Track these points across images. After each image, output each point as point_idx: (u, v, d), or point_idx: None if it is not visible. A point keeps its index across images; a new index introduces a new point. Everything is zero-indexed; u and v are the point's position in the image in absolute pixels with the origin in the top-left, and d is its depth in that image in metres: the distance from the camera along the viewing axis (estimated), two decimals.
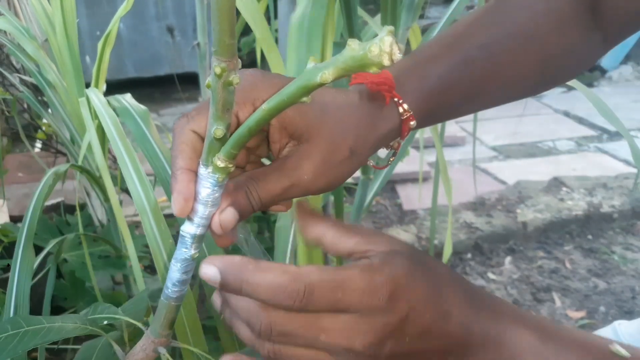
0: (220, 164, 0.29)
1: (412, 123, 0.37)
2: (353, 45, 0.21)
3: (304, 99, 0.24)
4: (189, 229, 0.32)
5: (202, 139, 0.31)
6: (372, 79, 0.36)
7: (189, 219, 0.32)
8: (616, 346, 0.30)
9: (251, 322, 0.28)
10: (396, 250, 0.29)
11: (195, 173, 0.31)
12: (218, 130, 0.28)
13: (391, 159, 0.42)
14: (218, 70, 0.26)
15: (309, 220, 0.31)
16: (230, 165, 0.30)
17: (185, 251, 0.32)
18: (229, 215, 0.31)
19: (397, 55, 0.21)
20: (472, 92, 0.42)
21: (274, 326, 0.28)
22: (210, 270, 0.28)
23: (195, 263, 0.33)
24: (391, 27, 0.21)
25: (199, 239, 0.32)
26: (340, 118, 0.34)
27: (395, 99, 0.37)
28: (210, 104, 0.28)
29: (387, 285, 0.27)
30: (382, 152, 0.42)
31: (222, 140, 0.29)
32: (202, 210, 0.31)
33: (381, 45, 0.20)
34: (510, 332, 0.30)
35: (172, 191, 0.31)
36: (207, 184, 0.30)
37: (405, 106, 0.37)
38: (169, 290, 0.34)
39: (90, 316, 0.53)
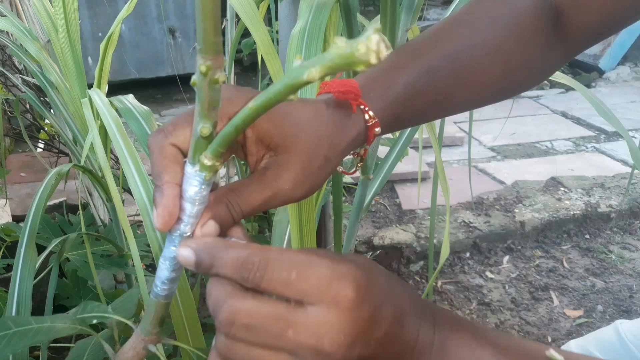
0: (208, 162, 0.29)
1: (377, 129, 0.38)
2: (340, 43, 0.21)
3: (291, 97, 0.24)
4: (177, 228, 0.32)
5: (183, 153, 0.32)
6: (338, 88, 0.37)
7: (178, 217, 0.32)
8: (551, 351, 0.31)
9: (215, 309, 0.28)
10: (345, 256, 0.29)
11: (179, 186, 0.31)
12: (204, 128, 0.28)
13: (358, 165, 0.43)
14: (203, 69, 0.26)
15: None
16: (218, 164, 0.30)
17: (173, 249, 0.32)
18: (210, 228, 0.31)
19: (384, 53, 0.20)
20: (435, 100, 0.43)
21: (237, 316, 0.27)
22: (185, 252, 0.29)
23: None
24: (378, 25, 0.20)
25: (187, 238, 0.32)
26: (314, 128, 0.34)
27: (362, 107, 0.37)
28: (196, 103, 0.28)
29: (351, 277, 0.26)
30: (382, 151, 0.43)
31: (209, 139, 0.29)
32: (189, 209, 0.31)
33: (368, 44, 0.20)
34: (451, 339, 0.30)
35: (157, 205, 0.30)
36: (195, 182, 0.30)
37: (371, 113, 0.38)
38: (158, 289, 0.34)
39: (79, 315, 0.53)
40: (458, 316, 0.32)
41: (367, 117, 0.37)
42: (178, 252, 0.30)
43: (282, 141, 0.33)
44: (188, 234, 0.32)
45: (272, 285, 0.27)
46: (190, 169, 0.30)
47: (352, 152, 0.40)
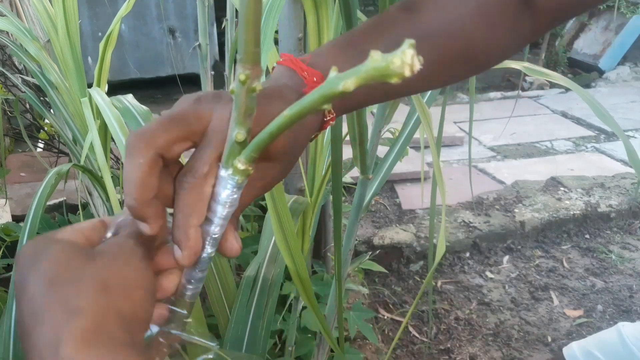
0: (241, 166, 0.31)
1: (332, 123, 0.40)
2: (375, 56, 0.22)
3: (325, 106, 0.25)
4: (208, 229, 0.33)
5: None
6: (311, 84, 0.37)
7: (208, 219, 0.33)
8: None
9: None
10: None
11: (201, 228, 0.32)
12: (240, 134, 0.30)
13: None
14: (242, 77, 0.27)
15: None
16: (250, 168, 0.31)
17: (203, 250, 0.33)
18: (238, 239, 0.34)
19: (417, 67, 0.22)
20: (389, 86, 0.42)
21: None
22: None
23: (210, 261, 0.34)
24: (412, 41, 0.22)
25: (216, 239, 0.33)
26: (302, 140, 0.37)
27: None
28: (233, 109, 0.29)
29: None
30: (381, 151, 0.43)
31: (243, 144, 0.30)
32: (220, 211, 0.32)
33: (403, 57, 0.21)
34: None
35: (184, 247, 0.32)
36: (228, 186, 0.32)
37: (331, 110, 0.39)
38: (185, 288, 0.35)
39: None
40: None
41: (326, 112, 0.39)
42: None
43: (276, 154, 0.35)
44: (217, 235, 0.33)
45: None
46: (223, 173, 0.32)
47: None
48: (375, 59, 0.22)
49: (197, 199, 0.32)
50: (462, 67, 0.45)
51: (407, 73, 0.22)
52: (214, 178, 0.32)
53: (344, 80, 0.23)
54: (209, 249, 0.33)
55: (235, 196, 0.32)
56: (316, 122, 0.38)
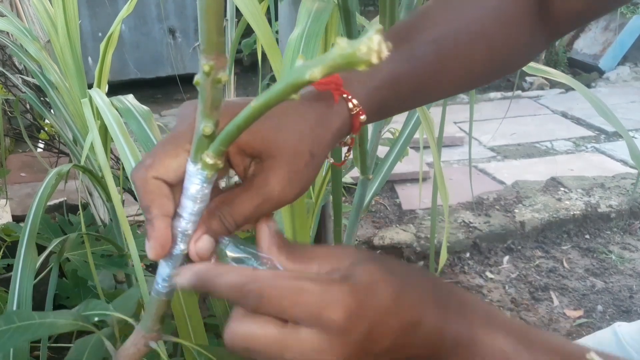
0: (209, 160, 0.30)
1: (363, 117, 0.37)
2: (342, 43, 0.21)
3: (293, 96, 0.24)
4: (179, 225, 0.32)
5: (167, 184, 0.32)
6: (320, 86, 0.35)
7: (179, 215, 0.32)
8: (592, 354, 0.30)
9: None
10: (358, 261, 0.30)
11: (170, 217, 0.32)
12: (207, 127, 0.29)
13: (347, 155, 0.43)
14: (206, 68, 0.26)
15: (266, 246, 0.32)
16: (219, 162, 0.30)
17: (175, 247, 0.33)
18: (204, 243, 0.32)
19: (385, 53, 0.21)
20: (420, 86, 0.42)
21: (235, 339, 0.29)
22: (181, 280, 0.31)
23: (185, 258, 0.34)
24: (380, 26, 0.20)
25: (188, 235, 0.32)
26: (293, 126, 0.34)
27: (344, 95, 0.36)
28: (199, 102, 0.28)
29: (340, 303, 0.28)
30: (382, 151, 0.43)
31: (211, 137, 0.29)
32: (191, 206, 0.32)
33: (369, 44, 0.20)
34: (482, 336, 0.30)
35: (149, 238, 0.32)
36: (196, 181, 0.31)
37: (355, 101, 0.36)
38: (159, 286, 0.35)
39: (82, 313, 0.54)
40: (492, 311, 0.32)
41: (350, 105, 0.36)
42: (176, 279, 0.31)
43: (263, 147, 0.33)
44: (189, 231, 0.32)
45: (269, 311, 0.28)
46: (192, 167, 0.31)
47: (338, 142, 0.39)
48: (342, 46, 0.21)
49: (146, 190, 0.32)
50: (485, 70, 0.45)
51: (375, 60, 0.20)
52: (160, 168, 0.32)
53: (310, 69, 0.22)
54: (181, 246, 0.33)
55: (205, 191, 0.31)
56: (333, 114, 0.35)
